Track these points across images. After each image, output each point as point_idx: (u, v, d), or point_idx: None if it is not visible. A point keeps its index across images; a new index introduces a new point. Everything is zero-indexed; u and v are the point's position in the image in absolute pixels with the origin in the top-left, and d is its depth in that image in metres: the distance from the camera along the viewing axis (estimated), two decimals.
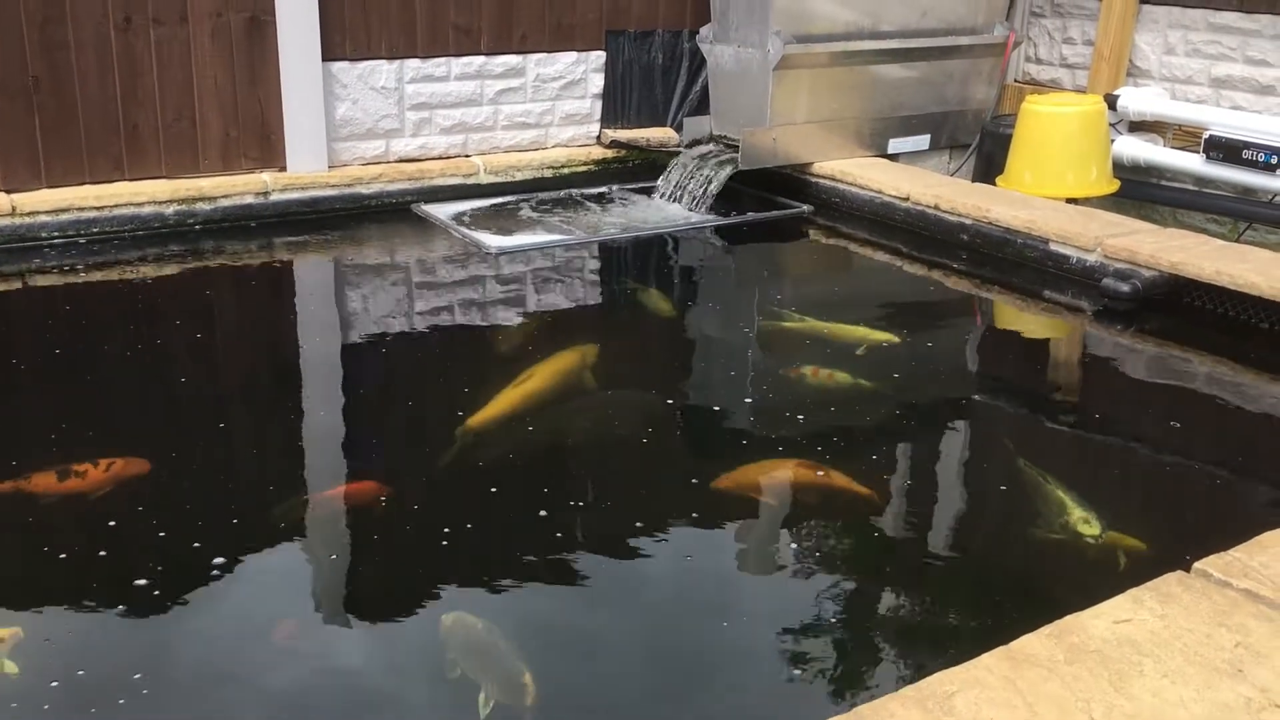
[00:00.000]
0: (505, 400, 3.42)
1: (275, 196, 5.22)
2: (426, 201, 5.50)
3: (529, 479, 3.05)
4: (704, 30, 5.88)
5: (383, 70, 5.44)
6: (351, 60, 5.36)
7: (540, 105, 5.91)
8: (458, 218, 5.31)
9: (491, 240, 5.00)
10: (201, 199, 5.08)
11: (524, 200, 5.64)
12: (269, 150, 5.27)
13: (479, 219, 5.32)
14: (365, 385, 3.75)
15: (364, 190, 5.42)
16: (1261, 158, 5.14)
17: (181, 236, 4.96)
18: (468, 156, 5.77)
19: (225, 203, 5.13)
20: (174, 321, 4.20)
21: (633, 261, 5.18)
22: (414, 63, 5.51)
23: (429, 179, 5.57)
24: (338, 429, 3.41)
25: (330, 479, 3.12)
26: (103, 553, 2.66)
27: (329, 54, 5.27)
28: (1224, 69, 5.56)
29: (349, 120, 5.43)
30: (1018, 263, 4.81)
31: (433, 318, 4.29)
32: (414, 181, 5.54)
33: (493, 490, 2.98)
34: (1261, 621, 2.06)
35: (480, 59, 5.67)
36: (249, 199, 5.17)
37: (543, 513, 2.86)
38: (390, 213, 5.43)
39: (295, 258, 5.02)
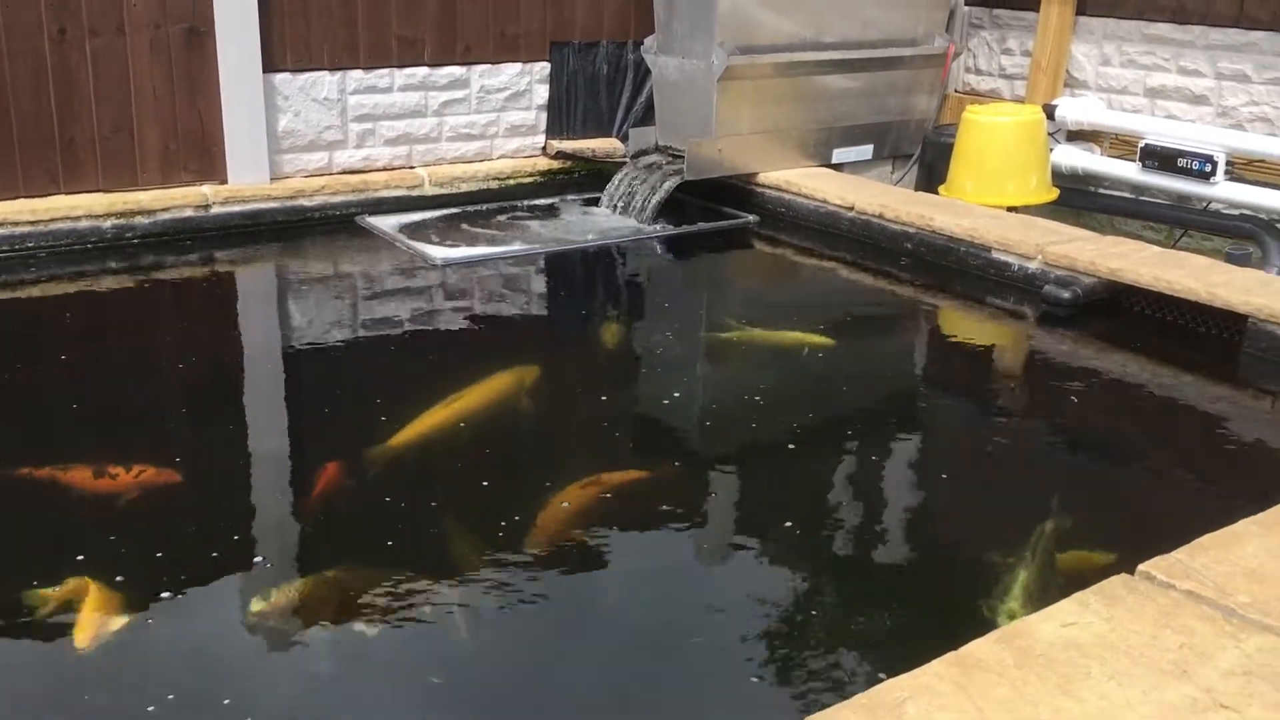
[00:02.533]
0: (430, 420, 3.35)
1: (216, 209, 5.15)
2: (371, 214, 5.45)
3: (438, 498, 3.01)
4: (648, 41, 5.89)
5: (325, 81, 5.39)
6: (293, 71, 5.31)
7: (485, 116, 5.88)
8: (403, 229, 5.27)
9: (437, 252, 4.96)
10: (140, 213, 4.99)
11: (470, 212, 5.61)
12: (209, 163, 5.20)
13: (424, 231, 5.29)
14: (299, 401, 3.69)
15: (307, 203, 5.36)
16: (1195, 166, 5.25)
17: (120, 251, 4.87)
18: (412, 168, 5.73)
19: (165, 216, 5.04)
20: (108, 337, 4.12)
21: (578, 273, 5.17)
22: (357, 74, 5.47)
23: (373, 191, 5.53)
24: (265, 445, 3.36)
25: (256, 493, 3.07)
26: None
27: (270, 65, 5.21)
28: (1158, 79, 5.68)
29: (291, 132, 5.37)
30: (961, 270, 4.86)
31: (375, 331, 4.24)
32: (358, 193, 5.49)
33: (399, 508, 2.94)
34: (1204, 622, 2.09)
35: (424, 70, 5.64)
36: (189, 212, 5.09)
37: (435, 530, 2.83)
38: (334, 225, 5.37)
39: (236, 271, 4.95)
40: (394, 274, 4.81)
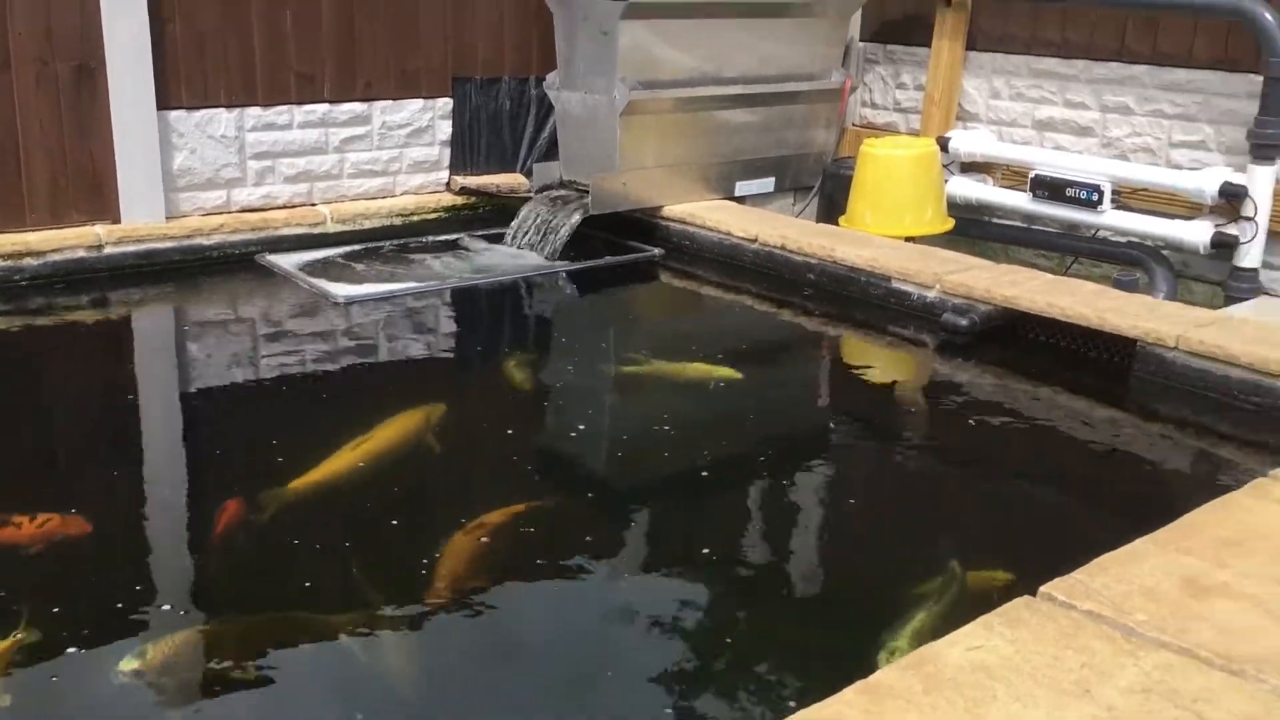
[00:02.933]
0: (336, 462, 3.28)
1: (110, 250, 5.01)
2: (271, 252, 5.35)
3: (343, 540, 2.94)
4: (550, 77, 5.91)
5: (222, 119, 5.30)
6: (189, 109, 5.20)
7: (387, 153, 5.84)
8: (304, 267, 5.18)
9: (339, 289, 4.89)
10: (29, 254, 4.83)
11: (373, 248, 5.55)
12: (101, 202, 5.06)
13: (327, 268, 5.21)
14: (199, 446, 3.59)
15: (205, 241, 5.25)
16: (1083, 195, 5.43)
17: (6, 294, 4.70)
18: (314, 205, 5.65)
19: (55, 257, 4.89)
20: None
21: (484, 308, 5.14)
22: (255, 111, 5.38)
23: (274, 229, 5.43)
24: (164, 491, 3.26)
25: (155, 540, 2.98)
26: None
27: (164, 102, 5.10)
28: (1046, 112, 5.87)
29: (187, 170, 5.26)
30: (863, 300, 4.95)
31: (277, 371, 4.16)
32: (258, 232, 5.39)
33: (302, 552, 2.88)
34: (1104, 642, 2.14)
35: (324, 107, 5.58)
36: (81, 253, 4.95)
37: (353, 570, 2.78)
38: (234, 264, 5.26)
39: (132, 313, 4.83)
40: (295, 313, 4.73)
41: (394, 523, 3.04)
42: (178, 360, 4.39)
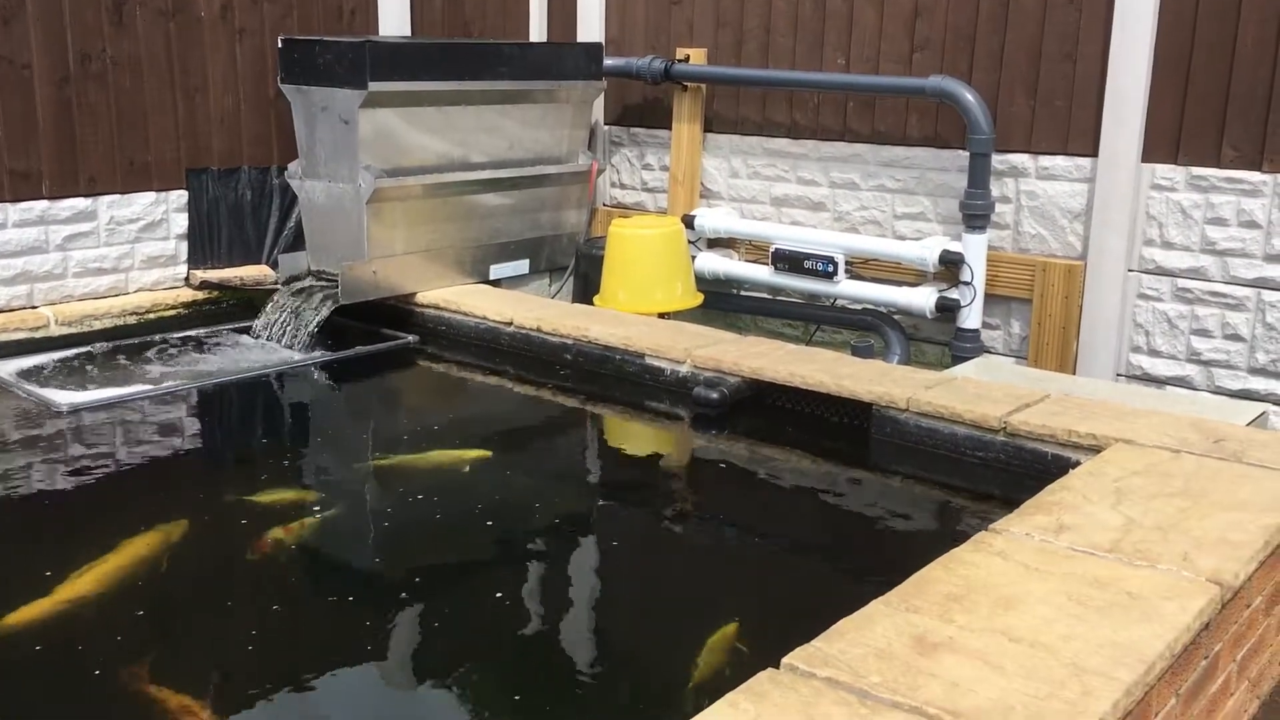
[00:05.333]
0: (64, 594, 3.02)
1: None
2: None
3: (79, 685, 2.74)
4: (292, 166, 5.78)
5: None
6: None
7: (117, 249, 5.53)
8: (23, 374, 4.82)
9: (62, 397, 4.56)
10: None
11: (105, 350, 5.23)
12: None
13: (49, 374, 4.87)
14: None
15: None
16: (819, 266, 5.71)
17: None
18: (35, 308, 5.28)
19: None
20: None
21: (229, 407, 4.91)
22: None
23: None
24: None
25: None
26: None
27: None
28: (782, 189, 6.17)
29: None
30: (619, 377, 5.01)
31: None
32: None
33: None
34: (841, 707, 2.19)
35: (43, 204, 5.25)
36: None
37: None
38: None
39: None
40: (10, 425, 4.37)
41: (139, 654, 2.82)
42: None
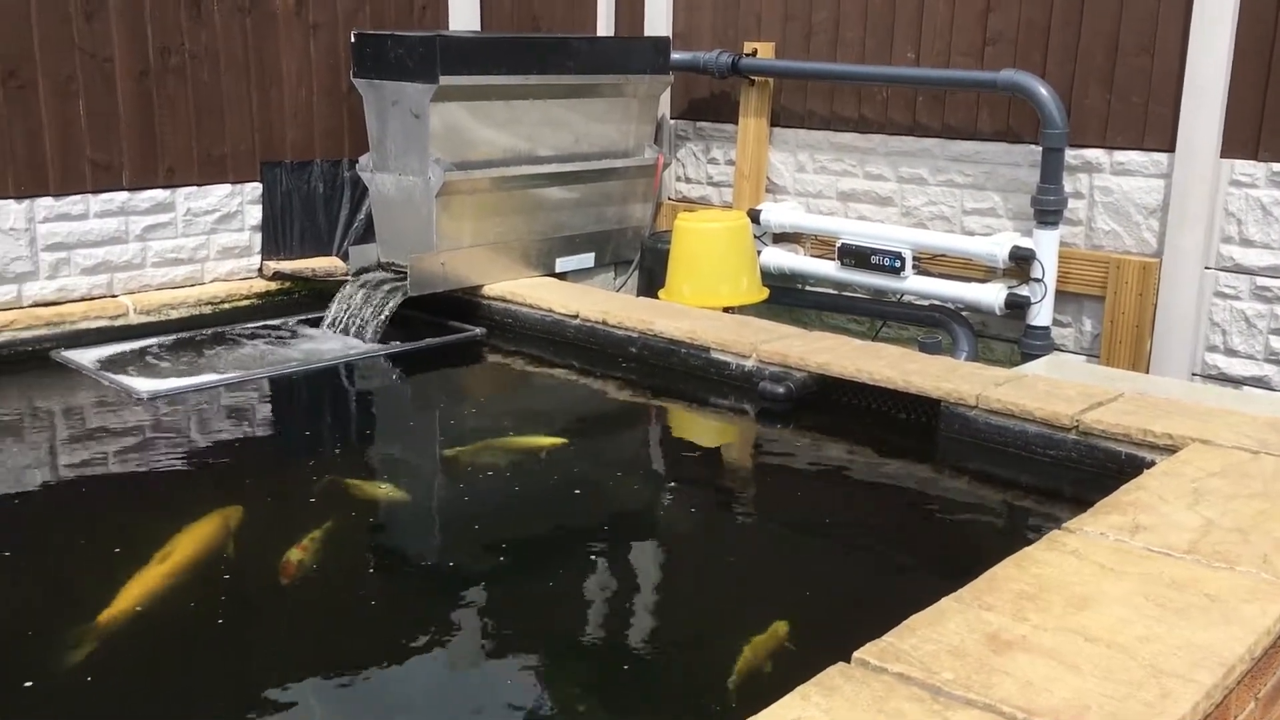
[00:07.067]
0: (141, 584, 3.07)
1: None
2: (68, 347, 5.09)
3: (163, 680, 2.76)
4: (363, 159, 5.86)
5: (10, 210, 5.04)
6: None
7: (194, 240, 5.65)
8: (104, 362, 4.94)
9: (143, 384, 4.68)
10: None
11: (181, 339, 5.34)
12: None
13: (129, 362, 4.98)
14: None
15: None
16: (886, 262, 5.67)
17: None
18: (115, 297, 5.41)
19: None
20: None
21: (303, 396, 4.99)
22: (46, 201, 5.14)
23: (71, 323, 5.17)
24: None
25: None
26: None
27: None
28: (848, 184, 6.13)
29: None
30: (684, 371, 5.02)
31: (71, 476, 3.92)
32: (53, 327, 5.12)
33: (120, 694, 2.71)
34: (914, 703, 2.18)
35: (123, 195, 5.37)
36: None
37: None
38: (25, 362, 4.97)
39: None
40: (92, 411, 4.49)
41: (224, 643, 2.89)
42: None
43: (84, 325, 5.21)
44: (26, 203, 5.09)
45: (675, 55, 6.41)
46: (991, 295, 5.40)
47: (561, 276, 6.15)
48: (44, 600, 3.08)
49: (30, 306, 5.15)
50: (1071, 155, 5.28)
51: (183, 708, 2.61)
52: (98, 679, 2.71)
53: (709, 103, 6.67)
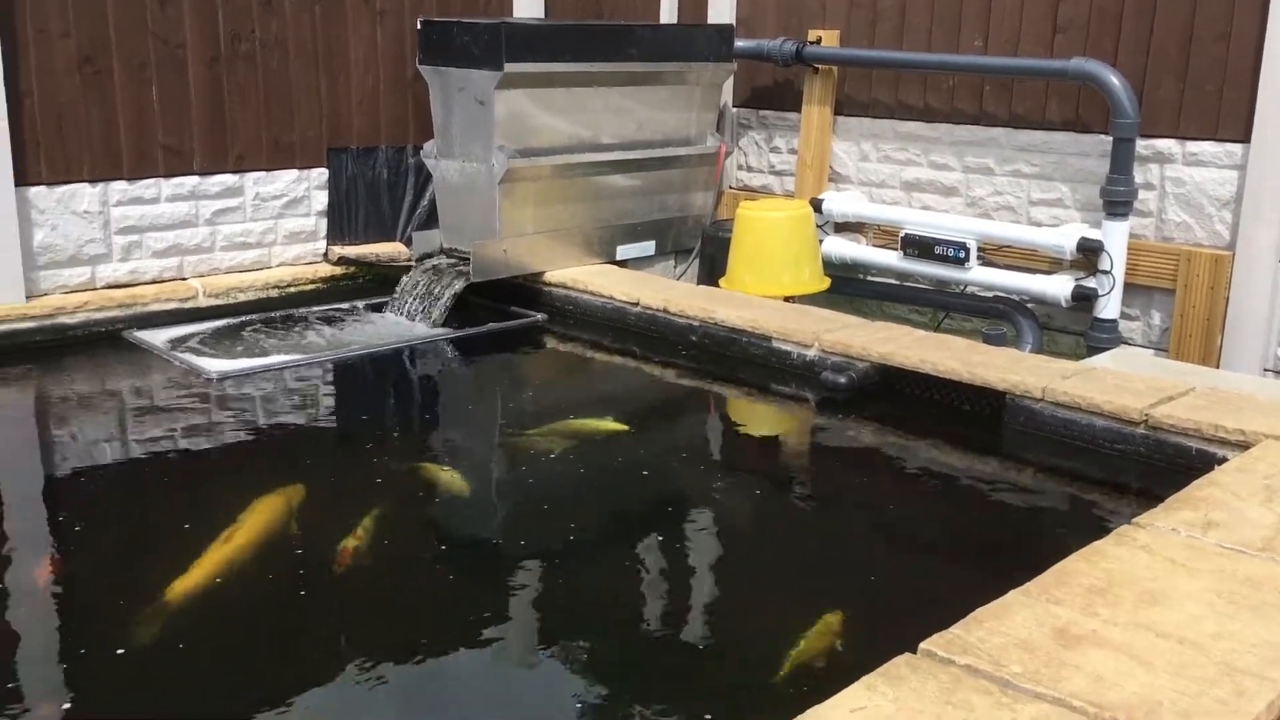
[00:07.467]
0: (208, 562, 3.12)
1: None
2: (140, 328, 5.20)
3: (229, 656, 2.80)
4: (428, 146, 5.91)
5: (85, 194, 5.15)
6: (49, 184, 5.05)
7: (261, 224, 5.74)
8: (174, 343, 5.04)
9: (211, 365, 4.76)
10: None
11: (248, 321, 5.43)
12: None
13: (199, 343, 5.07)
14: (60, 548, 3.34)
15: (68, 320, 5.07)
16: (950, 252, 5.61)
17: None
18: (184, 279, 5.51)
19: None
20: None
21: (367, 379, 5.06)
22: (120, 185, 5.25)
23: (142, 304, 5.28)
24: (19, 595, 3.04)
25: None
26: None
27: (23, 179, 4.94)
28: (913, 173, 6.07)
29: (49, 247, 5.09)
30: (745, 359, 5.01)
31: (143, 453, 4.01)
32: (125, 308, 5.23)
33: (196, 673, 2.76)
34: (982, 695, 2.17)
35: (194, 179, 5.47)
36: None
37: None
38: (99, 342, 5.09)
39: None
40: (163, 391, 4.58)
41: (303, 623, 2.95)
42: (39, 446, 4.20)
43: (155, 307, 5.32)
44: (101, 186, 5.20)
45: (739, 43, 6.38)
46: (1058, 287, 5.33)
47: (622, 264, 6.16)
48: (121, 573, 3.15)
49: (104, 288, 5.26)
50: (1142, 145, 5.19)
51: (260, 678, 2.66)
52: (189, 647, 2.77)
53: (772, 91, 6.63)
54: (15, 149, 4.87)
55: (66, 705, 2.54)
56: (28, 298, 5.01)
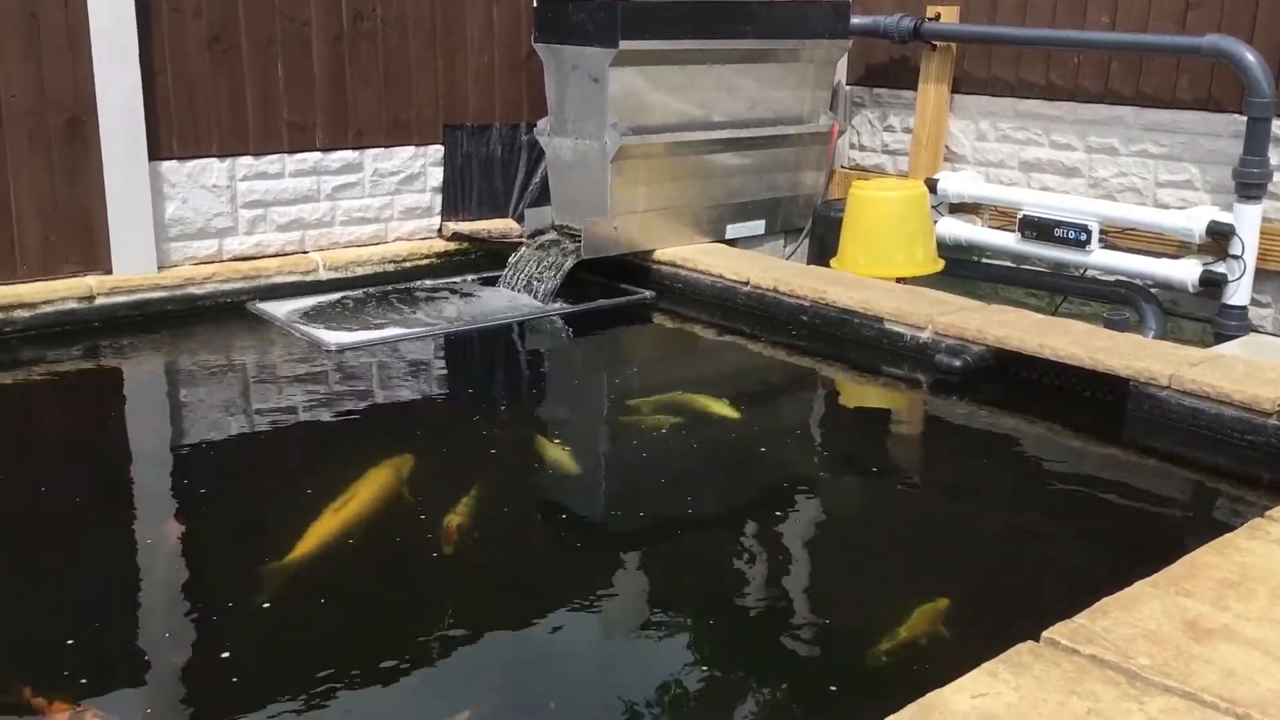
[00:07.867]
0: (323, 528, 3.20)
1: (101, 300, 5.01)
2: (263, 300, 5.36)
3: (348, 619, 2.87)
4: (541, 123, 5.95)
5: (213, 168, 5.32)
6: (180, 159, 5.23)
7: (379, 200, 5.86)
8: (296, 315, 5.18)
9: (331, 337, 4.89)
10: (20, 306, 4.83)
11: (366, 295, 5.56)
12: (93, 253, 5.06)
13: (319, 315, 5.21)
14: (186, 508, 3.45)
15: (196, 290, 5.25)
16: (1071, 235, 5.47)
17: None
18: (306, 253, 5.66)
19: (47, 309, 4.89)
20: None
21: (478, 353, 5.14)
22: (246, 160, 5.41)
23: (265, 277, 5.44)
24: (152, 559, 3.18)
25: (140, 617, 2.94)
26: None
27: (156, 153, 5.12)
28: (1032, 153, 5.93)
29: (179, 220, 5.27)
30: (856, 341, 4.96)
31: (264, 421, 4.14)
32: (249, 280, 5.40)
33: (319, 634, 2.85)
34: (1108, 686, 2.13)
35: (315, 155, 5.60)
36: (72, 304, 4.94)
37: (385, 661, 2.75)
38: (225, 312, 5.26)
39: (122, 363, 4.81)
40: (285, 361, 4.72)
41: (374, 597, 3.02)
42: (169, 412, 4.37)
43: (278, 280, 5.48)
44: (229, 161, 5.36)
45: (854, 19, 6.29)
46: (1185, 272, 5.16)
47: (731, 243, 6.14)
48: (245, 535, 3.27)
49: (230, 260, 5.44)
50: (1278, 126, 4.98)
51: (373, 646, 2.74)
52: (331, 600, 2.87)
53: (887, 68, 6.53)
54: (149, 125, 5.05)
55: (225, 654, 2.65)
56: (159, 268, 5.20)
